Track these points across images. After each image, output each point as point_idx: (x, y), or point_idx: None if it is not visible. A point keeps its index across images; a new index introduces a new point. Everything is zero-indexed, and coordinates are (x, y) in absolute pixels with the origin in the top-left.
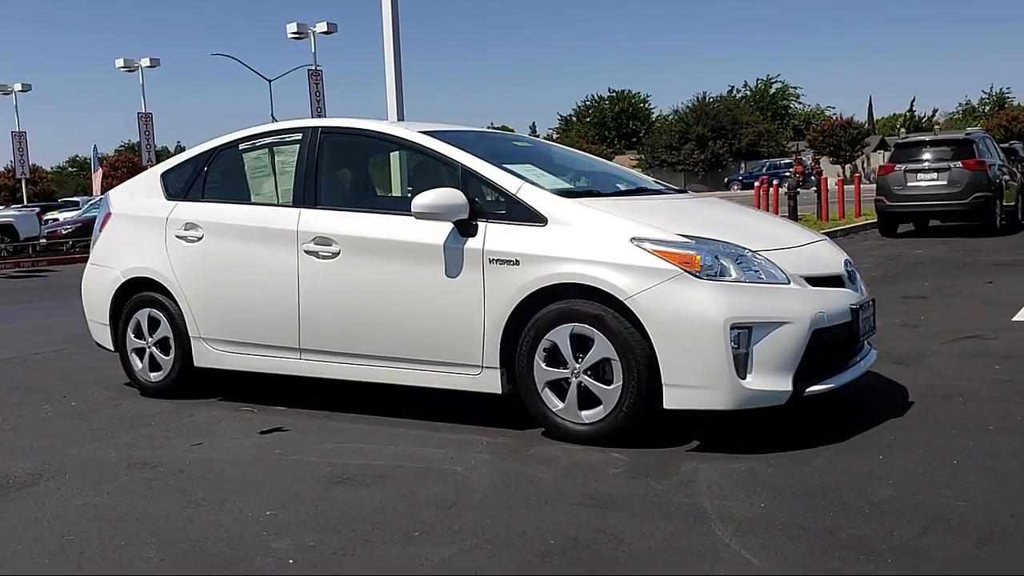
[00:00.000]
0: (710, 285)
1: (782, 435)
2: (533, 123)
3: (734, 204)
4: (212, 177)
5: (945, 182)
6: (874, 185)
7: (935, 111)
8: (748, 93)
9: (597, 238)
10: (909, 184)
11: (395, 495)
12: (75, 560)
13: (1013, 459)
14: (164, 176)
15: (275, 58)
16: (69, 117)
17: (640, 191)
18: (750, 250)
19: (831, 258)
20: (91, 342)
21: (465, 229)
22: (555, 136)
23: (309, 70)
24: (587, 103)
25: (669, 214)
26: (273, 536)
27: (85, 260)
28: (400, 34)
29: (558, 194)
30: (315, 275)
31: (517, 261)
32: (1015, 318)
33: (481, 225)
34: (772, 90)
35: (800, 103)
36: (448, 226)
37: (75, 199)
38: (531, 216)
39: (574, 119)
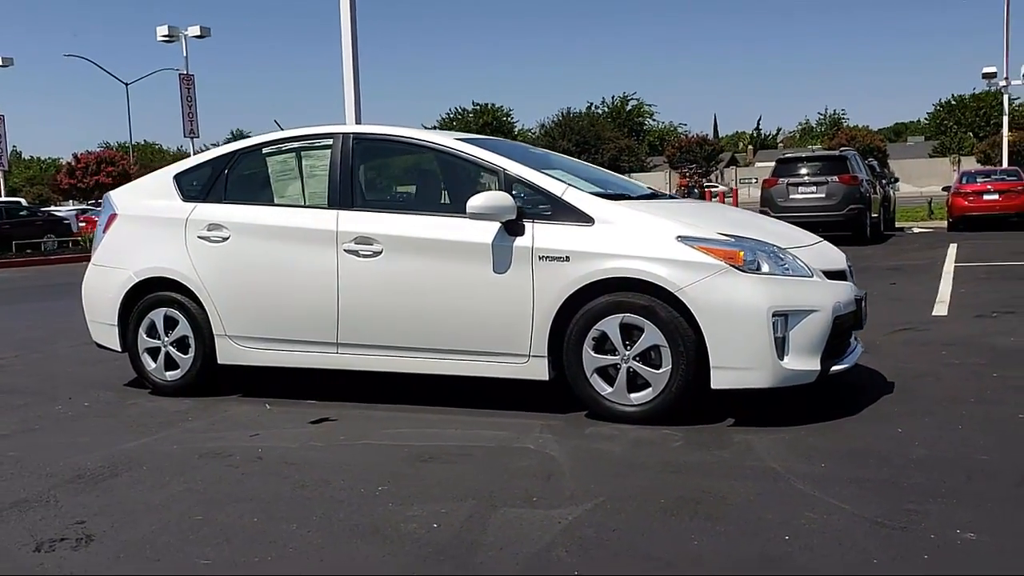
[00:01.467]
0: (752, 278)
1: (800, 411)
2: None
3: (740, 208)
4: (233, 179)
5: (823, 195)
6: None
7: (779, 130)
8: (606, 110)
9: (645, 236)
10: (791, 196)
11: (488, 469)
12: (221, 534)
13: (1004, 423)
14: (178, 178)
15: (144, 62)
16: None
17: (653, 196)
18: (780, 247)
19: (836, 255)
20: (60, 344)
21: (513, 229)
22: None
23: (181, 75)
24: (451, 115)
25: (700, 215)
26: (402, 506)
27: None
28: (358, 42)
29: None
30: (356, 273)
31: (567, 257)
32: (934, 313)
33: (528, 225)
34: (628, 107)
35: (654, 120)
36: (495, 226)
37: None
38: (578, 216)
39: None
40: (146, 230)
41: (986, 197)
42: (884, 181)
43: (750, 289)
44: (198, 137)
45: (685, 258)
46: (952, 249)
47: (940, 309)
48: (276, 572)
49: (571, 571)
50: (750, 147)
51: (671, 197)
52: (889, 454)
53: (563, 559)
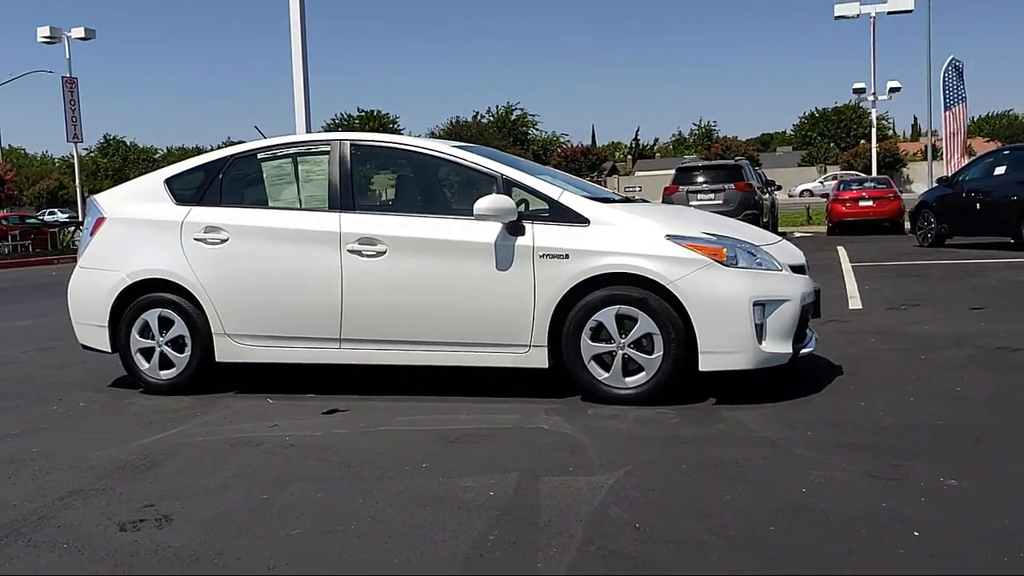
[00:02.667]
0: (734, 272)
1: (771, 391)
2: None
3: (706, 212)
4: (228, 184)
5: (721, 201)
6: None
7: (656, 140)
8: (492, 119)
9: (637, 236)
10: (691, 203)
11: (515, 447)
12: (294, 510)
13: (947, 395)
14: (169, 182)
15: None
16: None
17: (626, 200)
18: (755, 244)
19: (796, 252)
20: (12, 350)
21: (514, 229)
22: None
23: (64, 77)
24: (336, 121)
25: (680, 217)
26: (452, 479)
27: None
28: (307, 45)
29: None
30: (359, 272)
31: (567, 255)
32: (851, 307)
33: (527, 225)
34: (513, 116)
35: (538, 130)
36: (497, 227)
37: None
38: (575, 218)
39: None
40: (137, 233)
41: (862, 203)
42: (770, 189)
43: (733, 282)
44: (81, 141)
45: (674, 255)
46: (842, 251)
47: (855, 303)
48: (364, 535)
49: (631, 523)
50: (629, 156)
51: (643, 201)
52: (862, 423)
53: (619, 515)
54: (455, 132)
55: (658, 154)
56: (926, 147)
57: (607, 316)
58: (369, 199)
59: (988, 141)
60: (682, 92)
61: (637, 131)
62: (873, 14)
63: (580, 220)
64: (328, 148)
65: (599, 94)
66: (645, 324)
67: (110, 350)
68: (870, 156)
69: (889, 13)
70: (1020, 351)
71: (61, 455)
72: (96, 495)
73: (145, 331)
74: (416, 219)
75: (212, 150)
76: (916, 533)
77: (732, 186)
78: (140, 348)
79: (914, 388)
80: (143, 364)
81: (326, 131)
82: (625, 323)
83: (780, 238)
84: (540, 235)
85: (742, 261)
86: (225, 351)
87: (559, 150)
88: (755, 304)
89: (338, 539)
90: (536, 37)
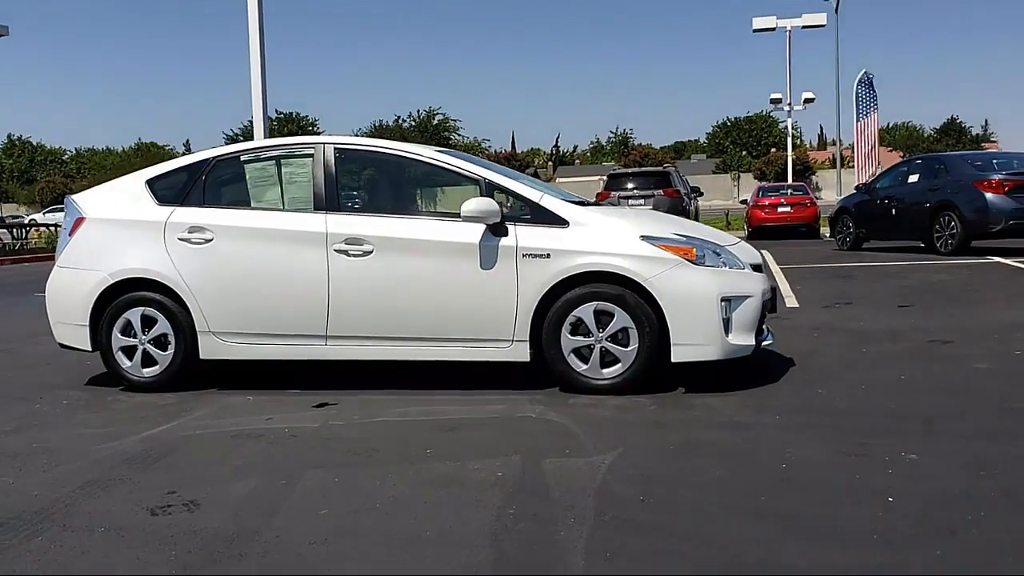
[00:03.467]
0: (703, 270)
1: (732, 381)
2: (187, 140)
3: (670, 215)
4: (211, 185)
5: (650, 207)
6: None
7: (575, 147)
8: (414, 124)
9: (614, 236)
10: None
11: (511, 433)
12: (316, 493)
13: (893, 383)
14: (150, 183)
15: None
16: None
17: (595, 203)
18: (720, 245)
19: (753, 252)
20: None
21: (497, 230)
22: None
23: None
24: (249, 125)
25: (651, 219)
26: (459, 463)
27: None
28: (264, 43)
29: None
30: (346, 271)
31: (548, 255)
32: (788, 305)
33: (510, 227)
34: (435, 121)
35: (460, 135)
36: (481, 227)
37: None
38: (555, 219)
39: (241, 139)
40: (119, 232)
41: (780, 209)
42: (693, 195)
43: (702, 279)
44: None
45: (648, 254)
46: (768, 255)
47: (792, 302)
48: (391, 513)
49: (635, 496)
50: (549, 163)
51: (609, 204)
52: (822, 408)
53: (623, 490)
54: (377, 136)
55: (578, 161)
56: (834, 156)
57: (586, 312)
58: (354, 201)
59: (891, 151)
60: (600, 100)
61: (557, 138)
62: (788, 28)
63: (560, 222)
64: (312, 151)
65: (519, 101)
66: (621, 319)
67: (91, 349)
68: (782, 164)
69: (804, 27)
70: (950, 343)
71: (64, 450)
72: (115, 485)
73: (127, 329)
74: (402, 220)
75: (122, 152)
76: (890, 499)
77: (661, 192)
78: (122, 346)
79: (863, 377)
80: (125, 362)
81: (228, 140)
82: (602, 318)
83: (739, 240)
84: (522, 236)
85: (709, 260)
86: (210, 348)
87: (481, 155)
88: (722, 300)
89: (368, 517)
90: (455, 42)
